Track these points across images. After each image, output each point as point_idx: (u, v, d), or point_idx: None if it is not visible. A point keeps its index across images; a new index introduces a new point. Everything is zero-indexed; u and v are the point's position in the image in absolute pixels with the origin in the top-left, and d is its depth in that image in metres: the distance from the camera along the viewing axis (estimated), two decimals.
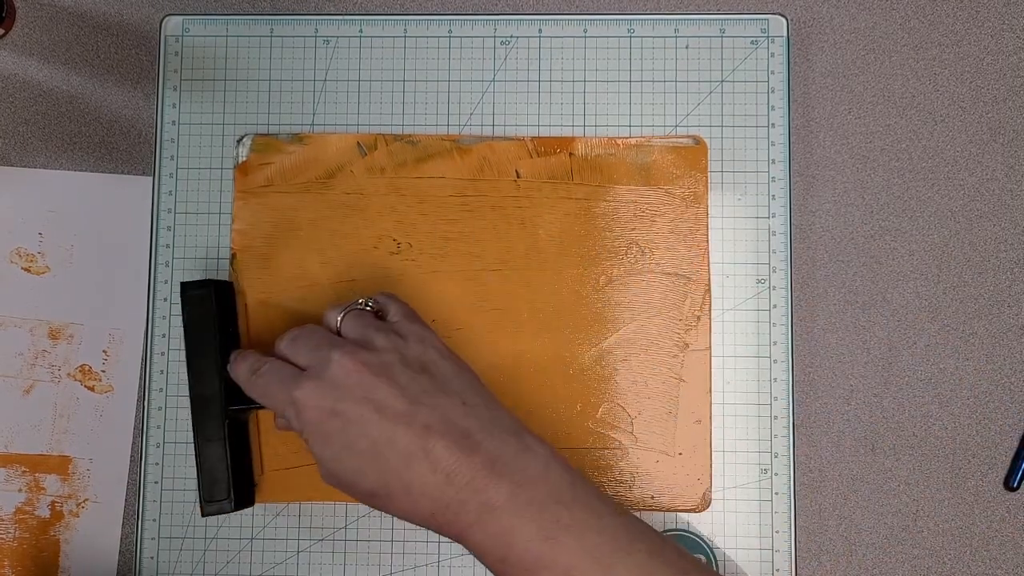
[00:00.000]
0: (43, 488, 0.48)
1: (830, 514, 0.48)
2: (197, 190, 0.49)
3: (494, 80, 0.50)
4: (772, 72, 0.49)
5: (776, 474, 0.47)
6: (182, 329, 0.46)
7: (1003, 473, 0.48)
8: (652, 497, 0.47)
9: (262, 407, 0.43)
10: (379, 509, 0.40)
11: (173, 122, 0.50)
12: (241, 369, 0.43)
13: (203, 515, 0.45)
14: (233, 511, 0.45)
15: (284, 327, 0.48)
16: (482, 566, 0.47)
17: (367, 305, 0.44)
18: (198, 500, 0.45)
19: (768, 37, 0.49)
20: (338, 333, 0.43)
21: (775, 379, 0.48)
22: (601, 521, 0.38)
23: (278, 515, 0.48)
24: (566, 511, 0.38)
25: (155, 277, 0.49)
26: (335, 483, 0.40)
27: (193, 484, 0.48)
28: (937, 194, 0.49)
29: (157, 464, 0.48)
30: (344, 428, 0.39)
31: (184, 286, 0.46)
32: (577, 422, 0.47)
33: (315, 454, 0.40)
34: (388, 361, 0.40)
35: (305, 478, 0.47)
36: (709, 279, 0.48)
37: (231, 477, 0.45)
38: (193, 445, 0.46)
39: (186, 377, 0.46)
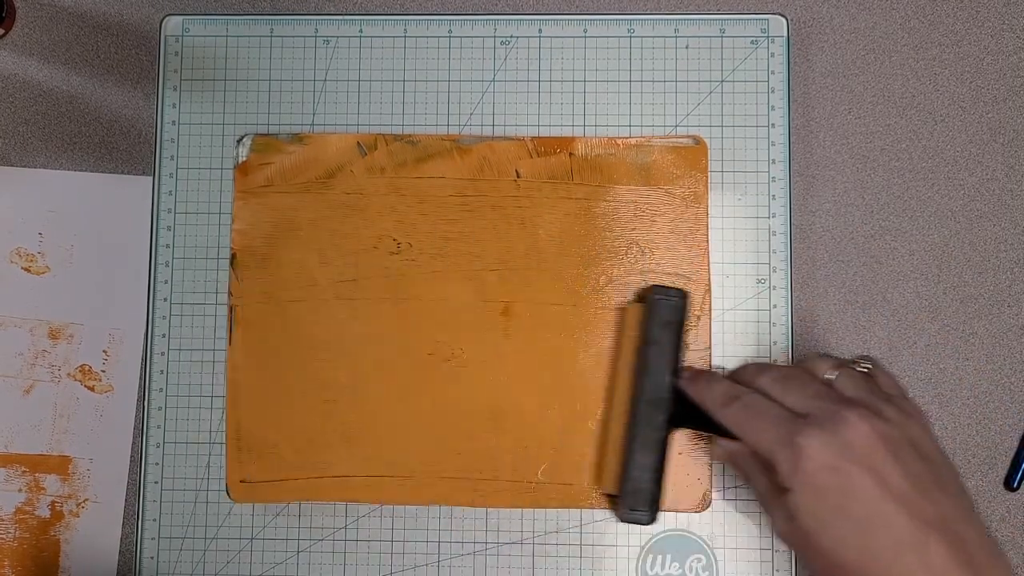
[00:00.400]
0: (43, 488, 0.48)
1: None
2: (197, 190, 0.49)
3: (494, 80, 0.50)
4: (772, 72, 0.49)
5: None
6: (641, 330, 0.46)
7: (1003, 473, 0.48)
8: None
9: (711, 432, 0.43)
10: None
11: (173, 122, 0.50)
12: (713, 392, 0.42)
13: (619, 519, 0.45)
14: (648, 524, 0.45)
15: (284, 328, 0.48)
16: (482, 566, 0.47)
17: (861, 366, 0.42)
18: (616, 502, 0.45)
19: (768, 37, 0.49)
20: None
21: None
22: None
23: (278, 515, 0.48)
24: None
25: (155, 277, 0.49)
26: (799, 541, 0.39)
27: (194, 484, 0.48)
28: (937, 194, 0.49)
29: (157, 464, 0.48)
30: (843, 491, 0.37)
31: (655, 289, 0.45)
32: (577, 422, 0.47)
33: (795, 506, 0.38)
34: (897, 437, 0.38)
35: (306, 478, 0.47)
36: (709, 279, 0.48)
37: (656, 491, 0.44)
38: (624, 448, 0.45)
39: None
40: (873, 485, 0.37)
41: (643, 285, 0.48)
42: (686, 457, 0.47)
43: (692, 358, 0.48)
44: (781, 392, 0.41)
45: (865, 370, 0.42)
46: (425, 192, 0.49)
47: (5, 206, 0.50)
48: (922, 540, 0.36)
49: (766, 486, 0.41)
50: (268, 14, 0.51)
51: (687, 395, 0.44)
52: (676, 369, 0.45)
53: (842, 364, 0.42)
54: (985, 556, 0.37)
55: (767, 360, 0.48)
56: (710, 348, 0.48)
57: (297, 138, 0.49)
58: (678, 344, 0.45)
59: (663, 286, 0.46)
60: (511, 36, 0.50)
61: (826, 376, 0.41)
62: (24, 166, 0.50)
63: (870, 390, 0.40)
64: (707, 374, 0.44)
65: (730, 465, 0.45)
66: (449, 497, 0.47)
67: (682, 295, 0.45)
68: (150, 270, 0.49)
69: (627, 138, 0.49)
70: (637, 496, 0.44)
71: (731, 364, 0.48)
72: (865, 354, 0.43)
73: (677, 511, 0.47)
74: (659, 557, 0.47)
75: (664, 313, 0.45)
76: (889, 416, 0.39)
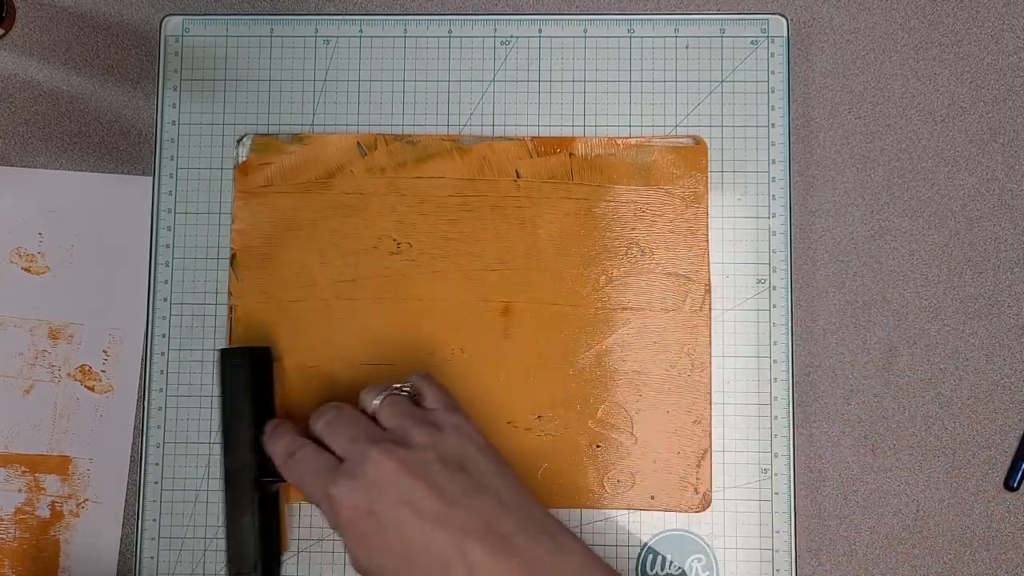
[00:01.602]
0: (43, 488, 0.48)
1: (830, 514, 0.48)
2: (197, 190, 0.49)
3: (494, 80, 0.50)
4: (772, 72, 0.49)
5: (776, 474, 0.47)
6: (219, 395, 0.46)
7: (1003, 473, 0.48)
8: (652, 497, 0.47)
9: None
10: None
11: (173, 122, 0.50)
12: (277, 449, 0.43)
13: None
14: None
15: (285, 328, 0.48)
16: None
17: (403, 389, 0.43)
18: (226, 566, 0.45)
19: (768, 37, 0.49)
20: (373, 418, 0.42)
21: (775, 379, 0.48)
22: None
23: None
24: None
25: (155, 277, 0.49)
26: None
27: (194, 484, 0.48)
28: (937, 194, 0.49)
29: (157, 464, 0.48)
30: (379, 529, 0.38)
31: (222, 354, 0.46)
32: (577, 422, 0.47)
33: (348, 550, 0.40)
34: (426, 459, 0.39)
35: None
36: (709, 279, 0.48)
37: (259, 550, 0.44)
38: (223, 512, 0.45)
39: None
40: (407, 515, 0.38)
41: (217, 349, 0.47)
42: (686, 457, 0.47)
43: (692, 358, 0.48)
44: (329, 438, 0.41)
45: (407, 392, 0.43)
46: (425, 192, 0.49)
47: (5, 206, 0.50)
48: (461, 549, 0.37)
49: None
50: (268, 14, 0.51)
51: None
52: (260, 425, 0.44)
53: (386, 390, 0.42)
54: (525, 540, 0.38)
55: (767, 360, 0.48)
56: (710, 348, 0.48)
57: (297, 138, 0.49)
58: (258, 404, 0.45)
59: (229, 349, 0.46)
60: (511, 36, 0.50)
61: (373, 404, 0.42)
62: (24, 166, 0.50)
63: (407, 414, 0.41)
64: (278, 428, 0.44)
65: None
66: None
67: (247, 354, 0.45)
68: (150, 270, 0.49)
69: (627, 138, 0.49)
70: (244, 561, 0.44)
71: (731, 364, 0.48)
72: (420, 372, 0.44)
73: (677, 511, 0.47)
74: (659, 557, 0.47)
75: (230, 374, 0.45)
76: (416, 442, 0.40)
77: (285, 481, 0.43)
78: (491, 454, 0.41)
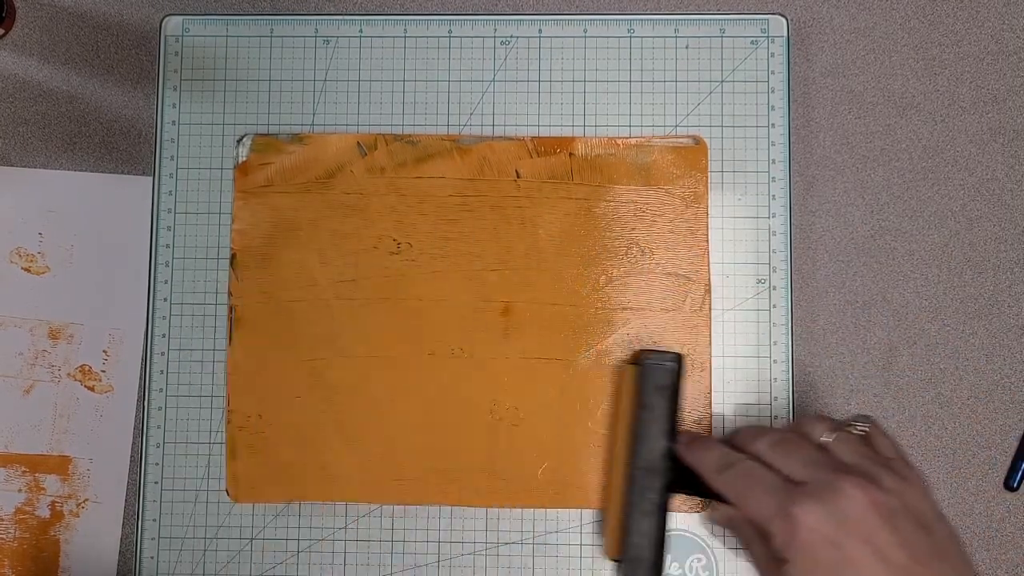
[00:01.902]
0: (43, 488, 0.48)
1: None
2: (197, 190, 0.49)
3: (494, 80, 0.50)
4: (772, 72, 0.49)
5: None
6: (635, 394, 0.45)
7: (1003, 473, 0.48)
8: None
9: (709, 497, 0.42)
10: None
11: (173, 122, 0.50)
12: (707, 459, 0.42)
13: None
14: None
15: (285, 328, 0.48)
16: (482, 566, 0.47)
17: (857, 428, 0.41)
18: (615, 565, 0.45)
19: (768, 37, 0.49)
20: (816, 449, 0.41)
21: (775, 379, 0.48)
22: None
23: (278, 515, 0.48)
24: None
25: (155, 277, 0.49)
26: None
27: (194, 484, 0.48)
28: (937, 194, 0.49)
29: (157, 464, 0.48)
30: (839, 564, 0.37)
31: (644, 354, 0.45)
32: (577, 422, 0.47)
33: (788, 574, 0.38)
34: (895, 507, 0.37)
35: (306, 478, 0.47)
36: (709, 279, 0.48)
37: (655, 559, 0.43)
38: (623, 512, 0.44)
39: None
40: (871, 558, 0.36)
41: (636, 349, 0.47)
42: None
43: (692, 358, 0.48)
44: (777, 458, 0.40)
45: (862, 432, 0.41)
46: (425, 192, 0.49)
47: (5, 206, 0.50)
48: None
49: (762, 554, 0.41)
50: (268, 14, 0.51)
51: (684, 461, 0.43)
52: (672, 433, 0.44)
53: (839, 427, 0.41)
54: None
55: (767, 360, 0.48)
56: (710, 348, 0.48)
57: (297, 138, 0.49)
58: (673, 408, 0.44)
59: (656, 350, 0.45)
60: (511, 36, 0.50)
61: (823, 439, 0.41)
62: (24, 166, 0.50)
63: (866, 455, 0.40)
64: (703, 439, 0.44)
65: (729, 530, 0.45)
66: (449, 497, 0.47)
67: (676, 359, 0.45)
68: (150, 270, 0.49)
69: (627, 138, 0.49)
70: (637, 564, 0.43)
71: (731, 364, 0.48)
72: (864, 413, 0.43)
73: (677, 511, 0.47)
74: None
75: (657, 378, 0.44)
76: (887, 485, 0.38)
77: (695, 495, 0.43)
78: (947, 522, 0.39)
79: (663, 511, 0.44)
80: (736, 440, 0.42)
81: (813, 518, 0.37)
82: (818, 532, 0.37)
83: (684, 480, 0.43)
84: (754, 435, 0.42)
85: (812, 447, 0.40)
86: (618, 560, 0.44)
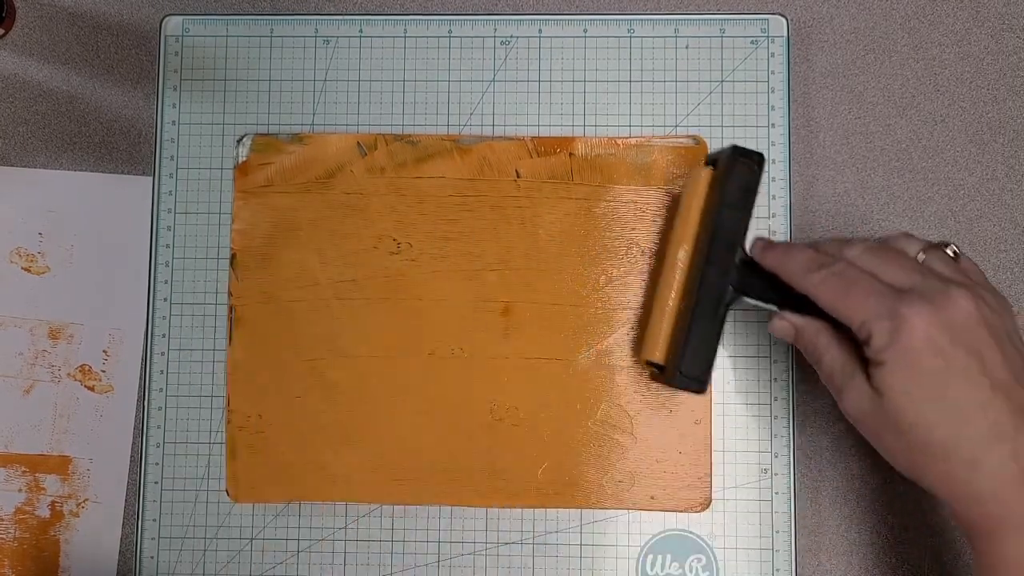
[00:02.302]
0: (43, 488, 0.48)
1: (830, 514, 0.48)
2: (197, 190, 0.49)
3: (494, 80, 0.50)
4: (772, 72, 0.49)
5: (776, 474, 0.47)
6: (717, 192, 0.42)
7: None
8: (652, 497, 0.47)
9: (776, 304, 0.40)
10: (909, 468, 0.37)
11: (173, 122, 0.50)
12: (797, 259, 0.39)
13: (669, 383, 0.42)
14: (700, 393, 0.42)
15: (285, 328, 0.48)
16: (482, 566, 0.47)
17: (950, 248, 0.40)
18: (664, 370, 0.43)
19: (768, 37, 0.49)
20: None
21: (775, 379, 0.48)
22: None
23: (278, 515, 0.48)
24: None
25: (155, 277, 0.49)
26: (878, 419, 0.37)
27: (194, 484, 0.48)
28: (937, 194, 0.49)
29: (157, 464, 0.48)
30: (943, 371, 0.35)
31: (739, 150, 0.42)
32: (577, 422, 0.47)
33: (885, 381, 0.36)
34: (998, 325, 0.36)
35: (306, 478, 0.47)
36: None
37: (712, 362, 0.42)
38: (686, 311, 0.42)
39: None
40: (975, 370, 0.35)
41: (719, 148, 0.45)
42: (686, 457, 0.47)
43: None
44: (875, 265, 0.38)
45: (953, 254, 0.40)
46: (425, 192, 0.49)
47: (5, 206, 0.50)
48: (1017, 427, 0.35)
49: (844, 362, 0.38)
50: (268, 14, 0.51)
51: (758, 265, 0.41)
52: (744, 238, 0.42)
53: (932, 246, 0.39)
54: None
55: (767, 360, 0.48)
56: None
57: (297, 138, 0.49)
58: (750, 212, 0.42)
59: (745, 148, 0.42)
60: (511, 36, 0.50)
61: (918, 251, 0.39)
62: (24, 166, 0.50)
63: (962, 274, 0.38)
64: (786, 244, 0.41)
65: (794, 341, 0.42)
66: (449, 497, 0.47)
67: (762, 160, 0.42)
68: (150, 270, 0.49)
69: (627, 138, 0.49)
70: (695, 362, 0.42)
71: (731, 364, 0.48)
72: (946, 240, 0.41)
73: (677, 511, 0.47)
74: (659, 557, 0.47)
75: (744, 176, 0.42)
76: (991, 304, 0.37)
77: (765, 300, 0.41)
78: None
79: (724, 317, 0.42)
80: (823, 247, 0.40)
81: (923, 321, 0.35)
82: (925, 336, 0.35)
83: (754, 284, 0.41)
84: (844, 243, 0.39)
85: (911, 259, 0.39)
86: (659, 366, 0.43)
